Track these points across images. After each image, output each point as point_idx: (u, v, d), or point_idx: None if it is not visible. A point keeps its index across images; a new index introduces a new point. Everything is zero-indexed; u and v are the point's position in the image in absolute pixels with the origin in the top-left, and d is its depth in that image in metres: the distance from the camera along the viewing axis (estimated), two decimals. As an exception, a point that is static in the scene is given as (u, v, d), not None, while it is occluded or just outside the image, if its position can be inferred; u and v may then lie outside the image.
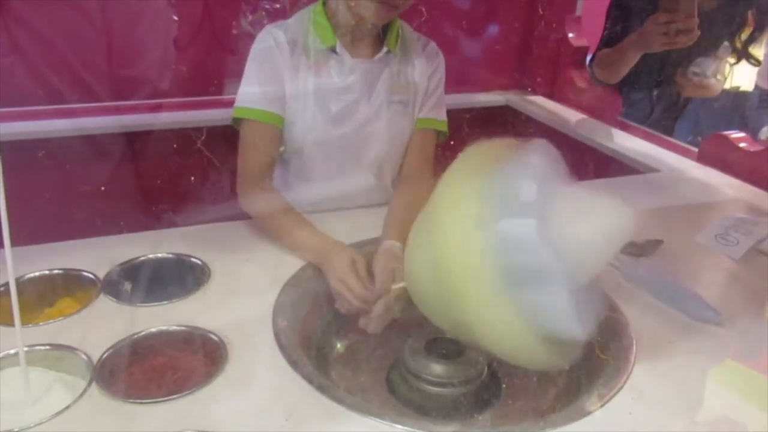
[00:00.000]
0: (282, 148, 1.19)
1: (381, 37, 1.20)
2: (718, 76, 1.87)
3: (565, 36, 2.08)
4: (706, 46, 1.82)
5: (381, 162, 1.24)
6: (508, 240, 0.66)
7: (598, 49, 1.96)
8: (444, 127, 1.28)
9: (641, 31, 1.67)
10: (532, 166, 0.71)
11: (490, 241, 0.67)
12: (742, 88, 2.59)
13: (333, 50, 1.14)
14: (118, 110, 1.66)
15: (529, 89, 2.23)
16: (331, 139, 1.18)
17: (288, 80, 1.13)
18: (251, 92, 1.13)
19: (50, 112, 1.65)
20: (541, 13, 2.14)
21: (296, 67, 1.13)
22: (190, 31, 1.76)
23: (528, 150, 0.74)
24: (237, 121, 1.13)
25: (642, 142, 1.72)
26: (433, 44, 1.29)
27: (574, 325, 0.65)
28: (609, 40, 1.89)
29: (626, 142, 1.72)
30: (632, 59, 1.76)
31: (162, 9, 1.72)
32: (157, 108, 1.71)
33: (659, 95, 1.99)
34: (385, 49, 1.18)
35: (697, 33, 1.61)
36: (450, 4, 2.10)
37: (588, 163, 1.77)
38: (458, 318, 0.71)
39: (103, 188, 1.63)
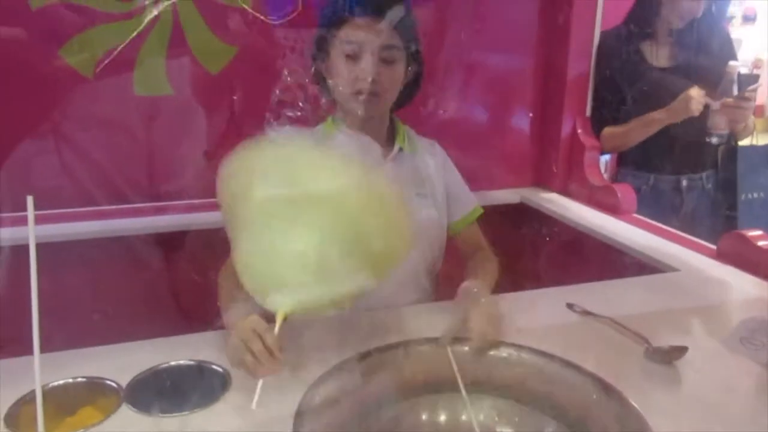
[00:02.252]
0: None
1: (390, 138, 1.28)
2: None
3: (577, 135, 2.14)
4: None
5: (415, 259, 1.25)
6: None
7: (595, 117, 2.15)
8: (479, 211, 1.40)
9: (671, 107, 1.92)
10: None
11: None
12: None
13: None
14: (149, 212, 1.73)
15: (544, 187, 2.27)
16: None
17: None
18: None
19: (81, 214, 1.72)
20: (552, 112, 2.21)
21: None
22: (217, 140, 1.85)
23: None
24: None
25: (659, 239, 1.73)
26: (436, 143, 1.37)
27: None
28: (607, 113, 2.11)
29: (642, 240, 1.72)
30: (649, 134, 2.00)
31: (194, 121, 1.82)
32: (189, 209, 1.78)
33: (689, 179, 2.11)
34: (397, 146, 1.25)
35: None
36: (463, 103, 2.19)
37: (605, 261, 1.77)
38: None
39: (127, 292, 1.66)
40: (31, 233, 0.57)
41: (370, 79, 1.15)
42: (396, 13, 1.16)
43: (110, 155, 1.76)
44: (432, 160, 1.33)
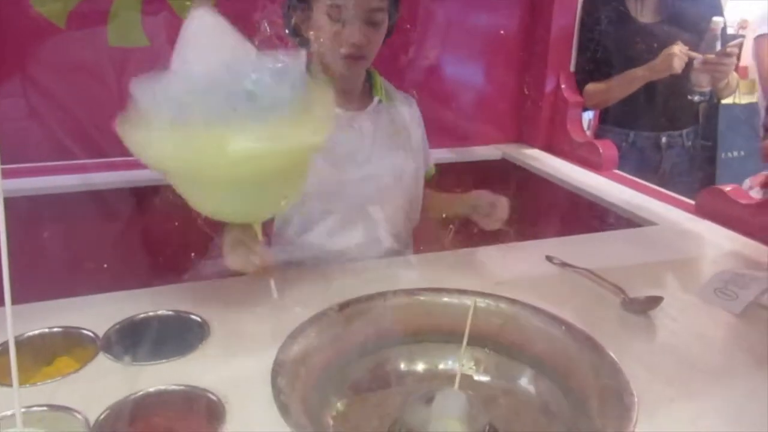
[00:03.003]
0: None
1: (369, 89, 1.26)
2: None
3: (560, 91, 2.13)
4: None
5: (392, 210, 1.26)
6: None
7: (580, 73, 2.14)
8: (433, 171, 1.46)
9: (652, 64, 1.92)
10: None
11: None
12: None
13: None
14: (121, 166, 1.69)
15: (526, 143, 2.26)
16: (337, 191, 1.20)
17: None
18: None
19: (54, 168, 1.69)
20: (536, 68, 2.20)
21: None
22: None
23: None
24: None
25: (639, 195, 1.74)
26: (411, 97, 1.37)
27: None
28: (591, 69, 2.10)
29: (622, 195, 1.73)
30: (631, 90, 2.00)
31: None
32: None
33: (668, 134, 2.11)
34: (376, 98, 1.24)
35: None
36: (447, 58, 2.16)
37: (585, 216, 1.78)
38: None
39: (104, 244, 1.65)
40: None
41: (355, 42, 1.13)
42: None
43: (84, 107, 1.72)
44: (407, 110, 1.32)
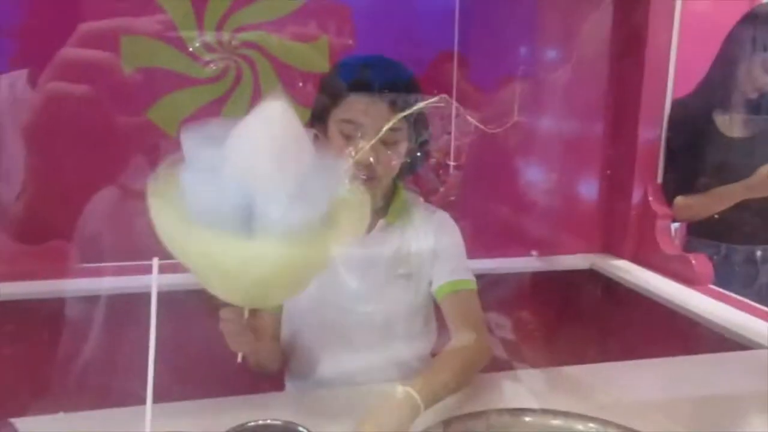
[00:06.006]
0: None
1: (381, 210, 1.20)
2: None
3: (648, 202, 2.11)
4: None
5: (390, 339, 1.21)
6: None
7: (667, 185, 2.11)
8: (470, 285, 1.23)
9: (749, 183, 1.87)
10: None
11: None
12: None
13: None
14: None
15: (614, 254, 2.22)
16: (332, 321, 1.18)
17: None
18: None
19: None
20: (622, 177, 2.19)
21: None
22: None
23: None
24: None
25: (739, 313, 1.66)
26: (443, 213, 1.27)
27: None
28: (680, 181, 2.06)
29: (722, 313, 1.66)
30: (725, 207, 1.95)
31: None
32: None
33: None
34: (382, 222, 1.18)
35: None
36: (532, 165, 2.20)
37: (680, 334, 1.71)
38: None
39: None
40: (154, 294, 0.60)
41: (367, 163, 1.10)
42: (399, 92, 1.11)
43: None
44: (428, 230, 1.22)
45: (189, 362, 1.55)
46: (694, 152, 2.06)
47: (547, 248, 2.17)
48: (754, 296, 1.88)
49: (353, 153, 1.09)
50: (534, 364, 1.29)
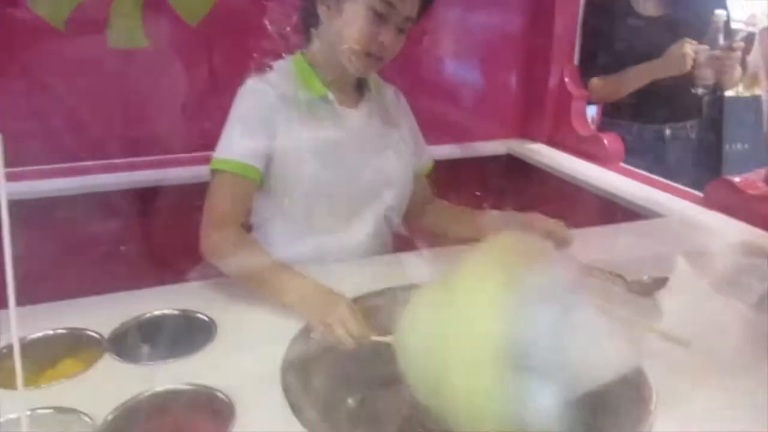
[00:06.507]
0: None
1: (361, 84, 1.23)
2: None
3: (564, 85, 2.11)
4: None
5: (385, 209, 1.23)
6: (522, 339, 0.65)
7: (583, 67, 2.11)
8: (431, 165, 1.37)
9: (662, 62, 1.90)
10: (557, 280, 0.70)
11: (505, 335, 0.65)
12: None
13: (324, 100, 1.15)
14: (126, 167, 1.69)
15: (531, 137, 2.25)
16: (334, 190, 1.17)
17: (281, 133, 1.12)
18: (233, 144, 1.11)
19: (58, 171, 1.68)
20: (539, 62, 2.18)
21: (289, 119, 1.13)
22: (196, 93, 1.81)
23: (555, 261, 0.73)
24: (214, 172, 1.10)
25: (646, 187, 1.73)
26: (395, 88, 1.32)
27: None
28: (595, 62, 2.06)
29: (630, 188, 1.72)
30: (639, 86, 1.98)
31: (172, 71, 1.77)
32: (165, 164, 1.73)
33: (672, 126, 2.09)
34: (369, 96, 1.21)
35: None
36: (450, 54, 2.15)
37: (593, 210, 1.77)
38: (442, 393, 0.69)
39: (108, 246, 1.64)
40: (1, 174, 0.54)
41: (386, 45, 1.10)
42: None
43: (86, 109, 1.71)
44: (395, 105, 1.29)
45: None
46: (609, 32, 2.05)
47: (465, 136, 2.17)
48: (662, 172, 1.95)
49: (382, 35, 1.09)
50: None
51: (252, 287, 1.03)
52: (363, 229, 1.23)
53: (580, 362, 0.68)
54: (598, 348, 0.70)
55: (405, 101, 1.33)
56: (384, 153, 1.22)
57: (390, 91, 1.30)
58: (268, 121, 1.12)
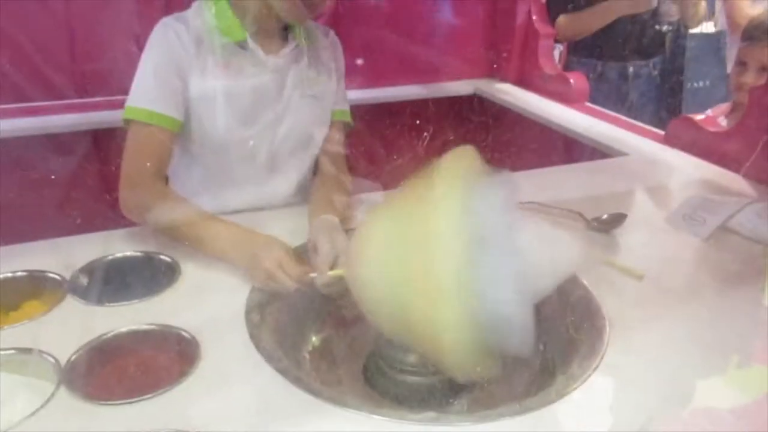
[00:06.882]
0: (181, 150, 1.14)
1: (286, 30, 1.14)
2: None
3: (532, 23, 2.09)
4: None
5: (300, 159, 1.20)
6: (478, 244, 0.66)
7: (551, 4, 2.10)
8: (350, 118, 1.25)
9: None
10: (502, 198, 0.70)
11: (464, 254, 0.65)
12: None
13: (242, 46, 1.07)
14: (80, 108, 1.63)
15: (498, 77, 2.24)
16: (246, 139, 1.11)
17: (195, 79, 1.05)
18: (147, 92, 1.03)
19: (12, 110, 1.62)
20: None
21: (203, 65, 1.05)
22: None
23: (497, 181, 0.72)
24: (128, 122, 1.03)
25: (610, 126, 1.74)
26: (332, 32, 1.24)
27: (528, 341, 0.65)
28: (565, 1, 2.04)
29: (595, 127, 1.73)
30: (605, 23, 1.98)
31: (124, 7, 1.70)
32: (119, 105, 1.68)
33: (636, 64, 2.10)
34: (293, 43, 1.13)
35: None
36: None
37: (557, 149, 1.78)
38: (405, 323, 0.69)
39: (67, 187, 1.60)
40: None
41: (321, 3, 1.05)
42: None
43: (36, 47, 1.64)
44: (327, 52, 1.21)
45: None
46: None
47: (432, 76, 2.15)
48: (625, 111, 1.97)
49: None
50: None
51: (179, 239, 1.00)
52: (285, 178, 1.19)
53: (536, 265, 0.69)
54: (550, 249, 0.71)
55: (340, 46, 1.24)
56: (306, 101, 1.16)
57: (322, 35, 1.21)
58: (182, 64, 1.04)
